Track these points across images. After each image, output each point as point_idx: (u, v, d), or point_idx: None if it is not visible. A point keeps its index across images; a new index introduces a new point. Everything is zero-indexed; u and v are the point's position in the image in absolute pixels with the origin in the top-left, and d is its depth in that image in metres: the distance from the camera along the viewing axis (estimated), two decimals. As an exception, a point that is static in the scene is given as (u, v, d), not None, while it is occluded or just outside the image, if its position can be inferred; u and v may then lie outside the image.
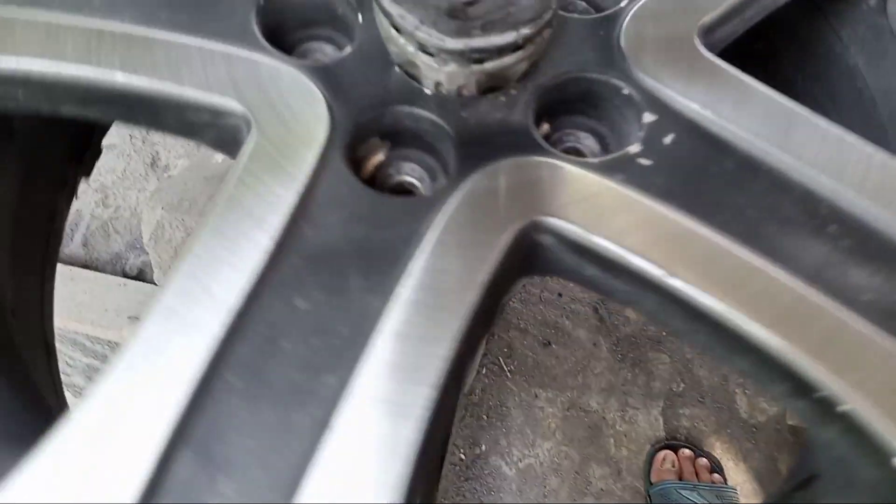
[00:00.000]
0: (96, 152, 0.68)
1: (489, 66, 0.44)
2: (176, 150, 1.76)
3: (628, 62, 0.47)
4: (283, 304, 0.37)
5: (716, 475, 1.50)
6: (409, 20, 0.43)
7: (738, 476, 1.55)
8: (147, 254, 1.45)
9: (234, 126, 0.45)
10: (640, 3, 0.50)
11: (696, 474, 1.48)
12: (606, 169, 0.44)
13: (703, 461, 1.51)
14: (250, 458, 0.33)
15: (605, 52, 0.48)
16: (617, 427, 1.61)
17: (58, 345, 0.65)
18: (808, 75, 0.66)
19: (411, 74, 0.48)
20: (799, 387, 0.37)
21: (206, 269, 0.38)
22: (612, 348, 1.69)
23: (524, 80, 0.47)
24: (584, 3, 0.56)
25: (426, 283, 0.37)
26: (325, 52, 0.53)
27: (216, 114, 0.45)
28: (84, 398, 0.33)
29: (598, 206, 0.43)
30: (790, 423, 1.53)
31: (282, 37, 0.51)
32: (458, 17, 0.43)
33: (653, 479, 1.50)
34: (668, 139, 0.45)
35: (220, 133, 0.46)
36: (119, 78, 0.44)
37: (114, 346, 1.33)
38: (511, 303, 1.76)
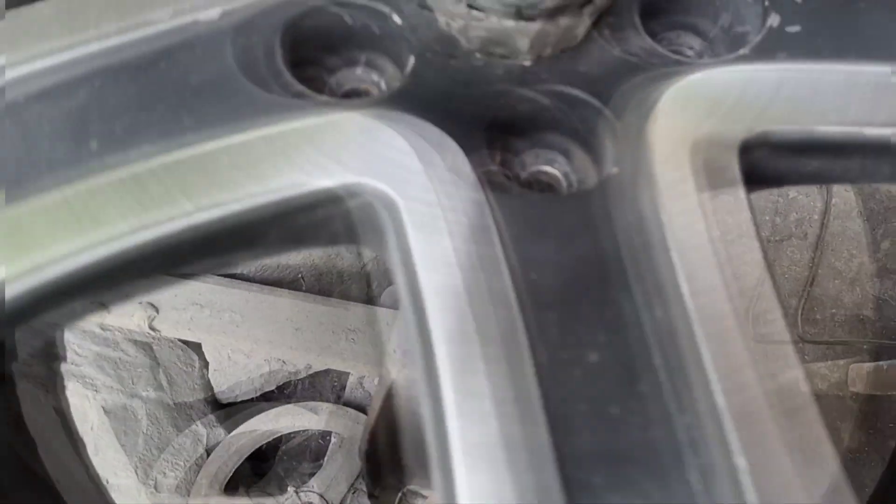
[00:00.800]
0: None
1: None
2: None
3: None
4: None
5: None
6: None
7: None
8: None
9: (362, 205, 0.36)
10: None
11: None
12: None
13: None
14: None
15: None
16: None
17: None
18: None
19: (492, 52, 0.40)
20: None
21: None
22: None
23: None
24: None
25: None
26: (373, 81, 0.44)
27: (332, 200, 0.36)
28: None
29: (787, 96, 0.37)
30: (852, 390, 1.49)
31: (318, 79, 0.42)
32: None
33: None
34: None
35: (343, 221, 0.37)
36: (203, 216, 0.34)
37: (125, 333, 1.24)
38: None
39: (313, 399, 1.39)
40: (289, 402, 1.35)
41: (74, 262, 0.32)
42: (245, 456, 1.29)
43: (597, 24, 0.42)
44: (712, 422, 0.31)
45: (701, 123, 0.37)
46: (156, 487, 1.26)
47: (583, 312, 0.33)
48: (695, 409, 0.31)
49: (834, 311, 1.49)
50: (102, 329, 1.31)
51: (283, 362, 1.32)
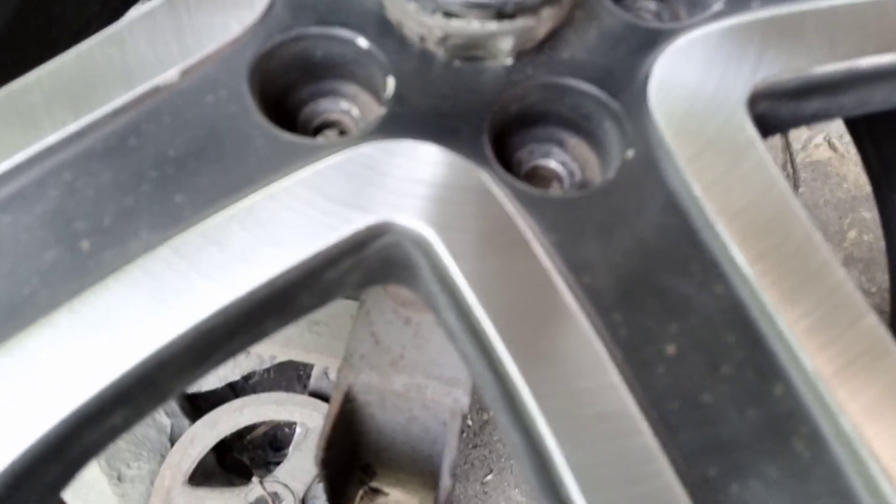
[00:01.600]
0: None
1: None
2: None
3: None
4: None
5: None
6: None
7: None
8: None
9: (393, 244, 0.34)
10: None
11: None
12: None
13: None
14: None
15: None
16: None
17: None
18: None
19: (472, 57, 0.38)
20: None
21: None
22: None
23: None
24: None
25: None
26: (345, 112, 0.41)
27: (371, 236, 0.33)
28: None
29: (776, 44, 0.37)
30: None
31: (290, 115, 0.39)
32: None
33: None
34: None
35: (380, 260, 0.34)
36: (228, 295, 0.31)
37: None
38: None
39: (278, 389, 1.37)
40: (254, 393, 1.33)
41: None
42: (209, 446, 1.26)
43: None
44: (806, 386, 0.31)
45: (702, 88, 0.37)
46: (119, 479, 1.22)
47: (646, 307, 0.32)
48: (784, 378, 0.31)
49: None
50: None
51: (248, 352, 1.30)
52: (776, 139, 1.61)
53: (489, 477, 1.45)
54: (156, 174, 0.34)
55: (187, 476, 1.25)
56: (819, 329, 0.31)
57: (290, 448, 1.32)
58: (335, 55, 0.39)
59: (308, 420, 1.30)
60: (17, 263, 0.32)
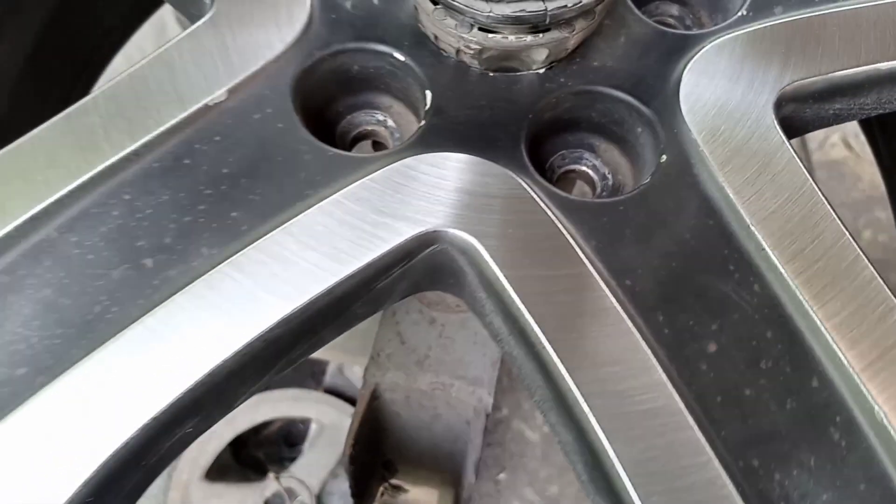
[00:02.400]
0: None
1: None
2: None
3: None
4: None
5: None
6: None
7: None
8: None
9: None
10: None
11: None
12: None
13: None
14: None
15: None
16: None
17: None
18: None
19: (507, 68, 0.39)
20: None
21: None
22: None
23: None
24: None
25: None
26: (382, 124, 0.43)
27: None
28: None
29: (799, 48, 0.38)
30: None
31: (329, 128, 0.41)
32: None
33: None
34: None
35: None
36: (290, 305, 0.33)
37: None
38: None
39: (293, 386, 1.39)
40: (269, 390, 1.34)
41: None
42: (226, 442, 1.28)
43: (595, 15, 0.42)
44: (841, 378, 0.32)
45: (731, 93, 0.38)
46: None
47: (687, 306, 0.34)
48: (820, 371, 0.33)
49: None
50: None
51: None
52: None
53: (502, 475, 1.45)
54: (211, 192, 0.35)
55: (204, 471, 1.27)
56: (851, 324, 0.33)
57: (306, 444, 1.33)
58: (373, 69, 0.41)
59: (323, 417, 1.32)
60: (87, 283, 0.33)
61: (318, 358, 1.38)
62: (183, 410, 0.31)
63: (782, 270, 0.34)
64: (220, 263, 0.33)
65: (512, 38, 0.37)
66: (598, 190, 0.42)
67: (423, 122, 0.38)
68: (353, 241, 0.34)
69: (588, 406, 0.31)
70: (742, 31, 0.40)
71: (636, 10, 0.42)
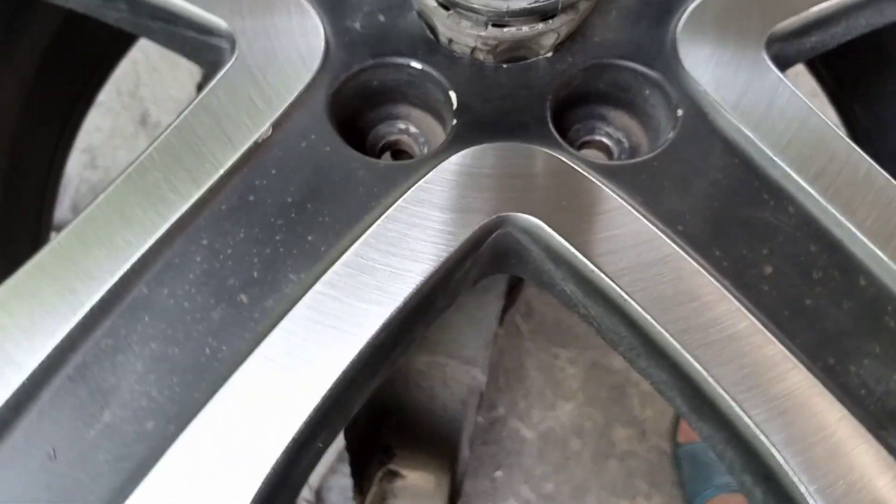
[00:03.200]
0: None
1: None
2: (167, 106, 1.57)
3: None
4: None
5: None
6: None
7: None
8: None
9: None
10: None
11: None
12: None
13: None
14: None
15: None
16: (642, 386, 1.51)
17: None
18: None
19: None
20: None
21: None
22: None
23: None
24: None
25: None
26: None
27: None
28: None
29: None
30: None
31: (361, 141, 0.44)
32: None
33: (680, 440, 1.43)
34: None
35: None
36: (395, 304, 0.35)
37: None
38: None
39: None
40: None
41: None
42: None
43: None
44: (884, 273, 0.36)
45: (725, 42, 0.42)
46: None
47: (737, 238, 0.37)
48: (865, 270, 0.37)
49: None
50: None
51: None
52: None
53: (498, 473, 1.48)
54: (282, 221, 0.37)
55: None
56: (882, 224, 0.37)
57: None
58: (392, 81, 0.43)
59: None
60: (190, 329, 0.34)
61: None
62: (315, 426, 0.33)
63: (811, 190, 0.38)
64: (312, 285, 0.35)
65: (525, 28, 0.40)
66: (616, 154, 0.45)
67: (454, 121, 0.41)
68: (427, 240, 0.37)
69: (679, 343, 0.34)
70: (721, -15, 0.44)
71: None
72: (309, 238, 0.37)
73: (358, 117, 0.44)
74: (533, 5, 0.38)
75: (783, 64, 0.44)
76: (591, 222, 0.37)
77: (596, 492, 1.44)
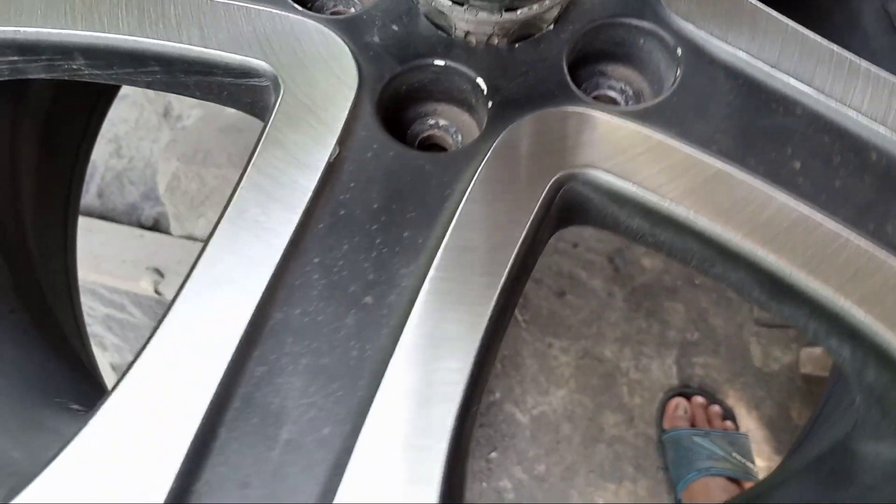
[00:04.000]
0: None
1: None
2: (189, 101, 1.65)
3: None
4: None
5: (728, 422, 1.52)
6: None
7: (750, 423, 1.58)
8: (162, 204, 1.49)
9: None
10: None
11: (709, 421, 1.50)
12: None
13: (716, 408, 1.52)
14: None
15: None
16: (630, 375, 1.61)
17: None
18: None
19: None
20: None
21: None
22: (627, 298, 1.67)
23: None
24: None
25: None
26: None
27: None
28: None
29: None
30: (803, 371, 1.60)
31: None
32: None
33: (665, 426, 1.52)
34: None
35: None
36: (504, 269, 0.39)
37: (132, 297, 1.38)
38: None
39: None
40: None
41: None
42: None
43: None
44: (888, 144, 0.43)
45: (700, -15, 0.48)
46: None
47: (763, 145, 0.43)
48: (873, 146, 0.43)
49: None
50: (110, 292, 1.42)
51: None
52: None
53: (493, 454, 1.54)
54: (377, 226, 0.40)
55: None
56: (876, 104, 0.43)
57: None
58: (422, 81, 0.47)
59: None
60: (332, 338, 0.37)
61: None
62: (473, 392, 0.37)
63: (809, 91, 0.44)
64: (426, 273, 0.39)
65: (535, 6, 0.44)
66: (623, 102, 0.50)
67: (489, 104, 0.45)
68: (510, 211, 0.41)
69: (750, 242, 0.40)
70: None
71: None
72: (405, 234, 0.40)
73: (397, 120, 0.48)
74: (547, -15, 0.43)
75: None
76: (642, 161, 0.42)
77: (585, 474, 1.53)
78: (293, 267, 0.39)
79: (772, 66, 0.45)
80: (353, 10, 0.50)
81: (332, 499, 0.34)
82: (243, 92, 0.45)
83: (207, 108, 1.62)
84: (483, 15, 0.44)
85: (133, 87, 1.60)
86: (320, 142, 0.42)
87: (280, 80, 0.43)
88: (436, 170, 0.42)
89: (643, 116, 0.44)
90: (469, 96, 0.47)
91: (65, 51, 0.44)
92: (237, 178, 0.41)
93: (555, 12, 0.46)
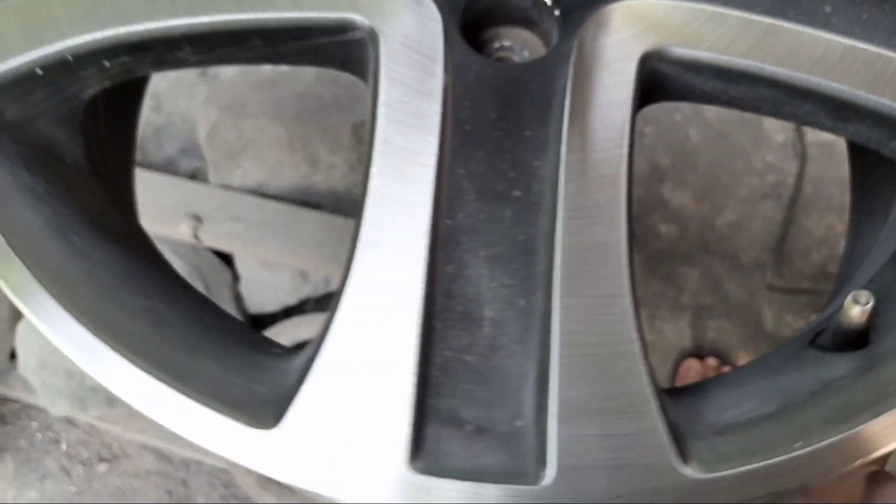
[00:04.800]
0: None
1: None
2: None
3: None
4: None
5: None
6: None
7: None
8: (199, 158, 1.53)
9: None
10: None
11: None
12: None
13: (728, 370, 1.50)
14: None
15: None
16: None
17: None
18: None
19: None
20: None
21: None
22: (644, 263, 1.69)
23: None
24: None
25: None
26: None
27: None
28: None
29: None
30: None
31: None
32: None
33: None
34: None
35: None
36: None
37: (171, 245, 1.41)
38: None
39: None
40: (312, 312, 1.48)
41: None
42: None
43: None
44: None
45: None
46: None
47: (798, -4, 0.50)
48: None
49: (802, 265, 1.66)
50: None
51: (306, 279, 1.46)
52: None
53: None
54: (500, 132, 0.46)
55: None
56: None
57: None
58: (489, 6, 0.52)
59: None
60: (497, 228, 0.43)
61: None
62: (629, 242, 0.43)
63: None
64: (558, 161, 0.45)
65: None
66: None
67: (556, 12, 0.51)
68: (615, 95, 0.47)
69: (814, 76, 0.47)
70: None
71: None
72: (527, 133, 0.46)
73: (476, 44, 0.53)
74: None
75: None
76: (706, 30, 0.49)
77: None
78: (446, 180, 0.44)
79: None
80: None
81: (549, 352, 0.40)
82: (338, 48, 0.50)
83: (243, 66, 1.61)
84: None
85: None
86: (430, 72, 0.47)
87: (375, 30, 0.48)
88: (533, 76, 0.48)
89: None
90: (531, 13, 0.53)
91: (172, 42, 0.48)
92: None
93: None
